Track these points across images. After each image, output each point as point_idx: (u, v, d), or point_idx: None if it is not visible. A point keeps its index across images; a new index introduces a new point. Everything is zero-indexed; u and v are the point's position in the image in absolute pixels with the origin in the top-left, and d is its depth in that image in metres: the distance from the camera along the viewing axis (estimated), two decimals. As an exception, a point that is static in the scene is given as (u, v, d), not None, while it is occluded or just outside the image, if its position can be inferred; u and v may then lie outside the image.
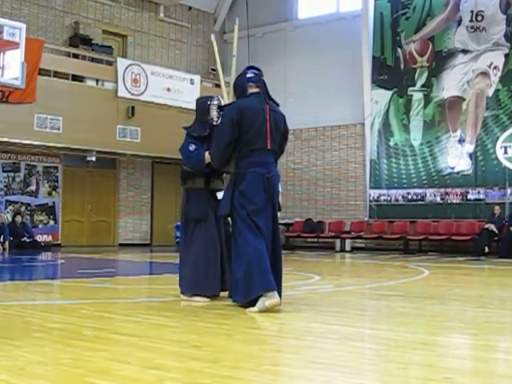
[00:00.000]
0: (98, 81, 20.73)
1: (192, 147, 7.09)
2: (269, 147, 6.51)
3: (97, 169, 22.29)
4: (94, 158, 21.08)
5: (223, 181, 7.29)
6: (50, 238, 21.15)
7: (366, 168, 22.15)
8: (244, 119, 6.42)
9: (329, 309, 6.53)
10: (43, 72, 18.81)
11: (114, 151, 21.15)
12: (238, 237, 6.42)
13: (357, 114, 22.36)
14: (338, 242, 21.68)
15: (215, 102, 7.24)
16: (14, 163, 20.63)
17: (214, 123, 7.07)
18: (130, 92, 20.75)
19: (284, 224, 22.96)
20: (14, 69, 14.93)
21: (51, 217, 21.41)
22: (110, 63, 21.13)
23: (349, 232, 21.77)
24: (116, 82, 20.62)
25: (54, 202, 21.49)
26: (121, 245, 22.70)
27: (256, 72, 6.77)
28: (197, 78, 22.70)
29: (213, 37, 8.68)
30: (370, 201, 21.83)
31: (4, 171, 20.43)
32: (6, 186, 20.46)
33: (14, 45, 14.85)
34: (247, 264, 6.25)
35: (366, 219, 21.79)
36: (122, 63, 20.89)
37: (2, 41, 14.76)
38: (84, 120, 19.53)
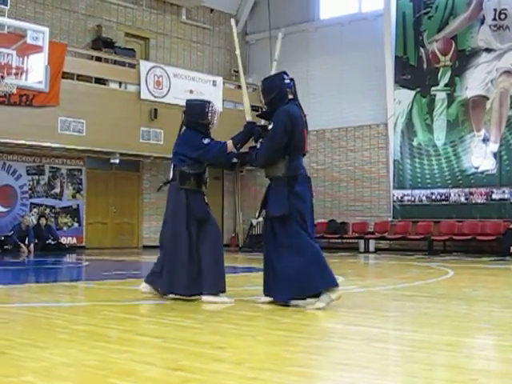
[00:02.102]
0: (120, 83, 20.83)
1: (206, 140, 7.20)
2: (305, 152, 6.95)
3: (120, 171, 22.39)
4: (117, 161, 21.18)
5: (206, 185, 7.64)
6: (74, 241, 21.27)
7: (389, 168, 22.06)
8: (294, 125, 6.70)
9: (353, 310, 6.51)
10: (66, 75, 18.94)
11: (137, 153, 21.24)
12: (291, 237, 6.58)
13: (380, 114, 22.28)
14: (361, 243, 21.61)
15: (215, 108, 7.47)
16: (38, 166, 20.77)
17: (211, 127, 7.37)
18: (152, 94, 20.82)
19: (307, 225, 22.94)
20: (38, 72, 15.06)
21: (75, 219, 21.53)
22: (132, 66, 21.22)
23: (372, 233, 21.71)
24: (139, 84, 20.70)
25: (78, 205, 21.61)
26: (145, 247, 22.77)
27: (291, 78, 6.97)
28: (219, 80, 22.73)
29: (233, 22, 8.68)
30: (394, 201, 21.74)
31: (28, 174, 20.57)
32: (30, 189, 20.61)
33: (37, 48, 14.97)
34: (305, 262, 6.47)
35: (389, 220, 21.71)
36: (144, 66, 20.97)
37: (26, 45, 14.89)
38: (107, 123, 19.63)
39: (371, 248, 21.37)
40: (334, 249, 21.96)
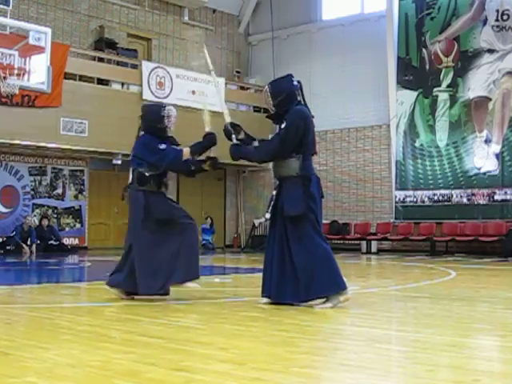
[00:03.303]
0: (123, 84, 20.84)
1: (162, 146, 7.33)
2: (314, 153, 7.05)
3: (123, 172, 22.33)
4: (119, 161, 21.18)
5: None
6: (76, 241, 21.28)
7: (391, 169, 22.05)
8: (307, 126, 6.79)
9: (356, 311, 6.51)
10: (69, 76, 18.95)
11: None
12: (303, 238, 6.62)
13: (382, 115, 22.29)
14: (363, 244, 21.60)
15: (171, 113, 7.63)
16: (40, 167, 20.79)
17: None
18: (155, 95, 20.82)
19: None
20: (40, 73, 15.08)
21: (78, 220, 21.55)
22: (134, 67, 21.23)
23: (375, 234, 21.71)
24: (141, 85, 20.72)
25: (80, 206, 21.63)
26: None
27: (298, 80, 7.03)
28: (221, 81, 22.71)
29: (205, 48, 8.72)
30: (396, 202, 21.73)
31: (31, 175, 20.59)
32: (32, 190, 20.63)
33: (39, 49, 15.00)
34: (315, 265, 6.52)
35: (391, 221, 21.70)
36: (146, 66, 20.98)
37: (28, 45, 14.92)
38: (110, 123, 19.64)
39: (373, 249, 21.35)
40: (336, 250, 21.87)
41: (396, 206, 21.73)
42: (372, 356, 4.28)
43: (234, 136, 7.13)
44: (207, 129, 7.45)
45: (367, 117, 22.67)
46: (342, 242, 22.37)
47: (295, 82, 6.98)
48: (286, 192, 6.75)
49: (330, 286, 6.55)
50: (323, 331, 5.37)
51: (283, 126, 6.82)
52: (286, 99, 6.86)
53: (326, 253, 6.63)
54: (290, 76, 7.07)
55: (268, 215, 6.93)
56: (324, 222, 22.96)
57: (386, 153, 22.41)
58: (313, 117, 7.00)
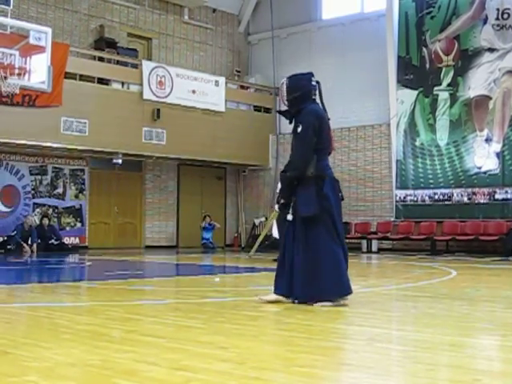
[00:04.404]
0: (123, 84, 20.85)
1: None
2: (330, 151, 7.06)
3: (123, 171, 22.40)
4: (120, 161, 21.21)
5: None
6: (77, 241, 21.30)
7: (392, 168, 22.05)
8: (322, 124, 6.83)
9: (356, 310, 6.51)
10: (69, 75, 18.95)
11: (139, 154, 21.27)
12: (313, 239, 6.64)
13: (382, 114, 22.28)
14: (364, 243, 21.61)
15: None
16: (41, 166, 20.80)
17: None
18: (155, 94, 20.83)
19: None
20: (41, 73, 15.09)
21: (78, 219, 21.55)
22: (135, 66, 21.25)
23: (375, 233, 21.71)
24: (141, 84, 20.73)
25: (80, 205, 21.64)
26: (147, 247, 22.79)
27: (317, 81, 7.08)
28: (222, 80, 22.73)
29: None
30: (397, 201, 21.73)
31: (31, 174, 20.60)
32: (33, 189, 20.64)
33: (40, 49, 15.00)
34: (323, 267, 6.57)
35: (392, 220, 21.71)
36: (147, 66, 20.99)
37: (29, 45, 14.92)
38: (110, 123, 19.66)
39: (374, 248, 21.36)
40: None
41: (396, 205, 21.72)
42: (372, 355, 4.28)
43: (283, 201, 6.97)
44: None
45: (367, 116, 22.67)
46: (342, 241, 22.33)
47: (314, 82, 7.01)
48: (301, 193, 6.75)
49: (336, 290, 6.63)
50: (324, 330, 5.37)
51: (299, 129, 6.79)
52: (301, 97, 6.88)
53: (334, 256, 6.62)
54: (310, 74, 7.07)
55: (290, 216, 6.81)
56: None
57: (386, 152, 22.41)
58: (328, 118, 7.05)
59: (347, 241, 22.75)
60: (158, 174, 23.53)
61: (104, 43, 21.69)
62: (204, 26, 25.29)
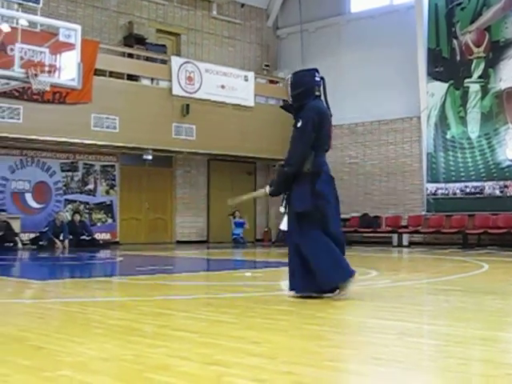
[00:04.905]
0: (152, 80, 20.94)
1: None
2: (328, 148, 7.05)
3: (153, 167, 22.49)
4: (150, 157, 21.29)
5: None
6: (108, 236, 21.43)
7: (422, 162, 21.92)
8: (322, 121, 6.82)
9: (387, 304, 6.49)
10: (99, 72, 19.06)
11: (169, 149, 21.34)
12: (304, 235, 6.69)
13: (412, 107, 22.14)
14: (395, 237, 21.51)
15: None
16: (72, 163, 20.96)
17: None
18: (184, 90, 20.88)
19: (340, 219, 22.88)
20: (71, 70, 15.18)
21: (109, 215, 21.69)
22: (164, 62, 21.31)
23: (406, 226, 21.61)
24: (170, 80, 20.78)
25: (111, 201, 21.77)
26: (178, 242, 22.88)
27: (321, 77, 7.08)
28: (251, 75, 22.72)
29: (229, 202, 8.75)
30: (428, 195, 21.60)
31: (63, 171, 20.76)
32: (64, 186, 20.80)
33: (69, 46, 15.10)
34: (318, 258, 6.61)
35: (423, 213, 21.59)
36: (176, 62, 21.04)
37: (59, 42, 15.02)
38: (140, 119, 19.75)
39: (405, 242, 21.25)
40: (367, 243, 21.90)
41: (427, 199, 21.60)
42: (403, 350, 4.26)
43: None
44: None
45: (397, 109, 22.53)
46: (372, 235, 22.31)
47: (317, 78, 7.01)
48: (296, 188, 6.81)
49: (337, 277, 6.69)
50: (354, 325, 5.37)
51: (299, 124, 6.83)
52: (304, 93, 6.90)
53: (326, 245, 6.66)
54: (313, 70, 7.11)
55: (282, 209, 6.97)
56: (355, 215, 23.09)
57: (416, 145, 22.28)
58: (331, 115, 7.04)
59: (378, 235, 22.67)
60: (188, 169, 23.60)
61: (133, 40, 21.79)
62: (232, 21, 25.30)
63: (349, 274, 6.73)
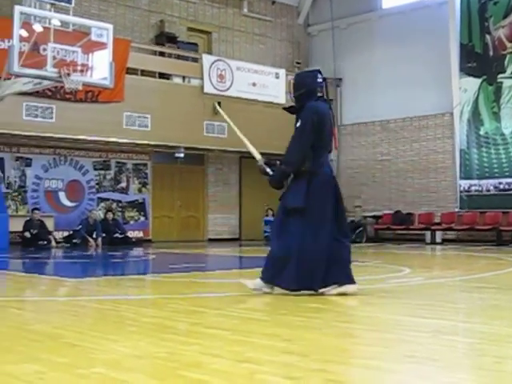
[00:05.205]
0: (184, 78, 21.01)
1: None
2: (331, 149, 7.08)
3: (185, 165, 22.56)
4: (182, 155, 21.37)
5: None
6: (141, 234, 21.55)
7: (455, 158, 21.75)
8: (322, 122, 6.83)
9: (420, 302, 6.45)
10: (131, 71, 19.17)
11: (201, 147, 21.39)
12: (292, 231, 6.70)
13: (445, 103, 21.96)
14: (428, 234, 21.38)
15: None
16: (104, 161, 21.10)
17: None
18: (215, 88, 20.92)
19: (373, 216, 22.81)
20: (103, 69, 15.28)
21: (141, 213, 21.81)
22: (195, 60, 21.37)
23: (439, 223, 21.46)
24: (202, 78, 20.83)
25: (144, 199, 21.88)
26: (210, 240, 22.94)
27: (324, 77, 7.12)
28: (282, 72, 22.69)
29: (218, 107, 8.81)
30: (461, 191, 21.43)
31: (95, 169, 20.91)
32: (97, 184, 20.95)
33: (101, 45, 15.20)
34: (292, 257, 6.63)
35: (456, 210, 21.42)
36: (207, 60, 21.08)
37: (91, 42, 15.12)
38: (171, 117, 19.82)
39: (438, 239, 21.12)
40: (400, 240, 21.78)
41: (461, 196, 21.43)
42: (437, 347, 4.23)
43: (269, 170, 7.18)
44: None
45: (430, 105, 22.36)
46: (405, 232, 22.19)
47: (319, 79, 7.04)
48: (292, 186, 6.93)
49: (293, 281, 6.66)
50: (386, 322, 5.34)
51: (298, 124, 6.89)
52: (306, 94, 6.93)
53: (307, 249, 6.62)
54: (316, 72, 7.15)
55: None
56: (387, 212, 23.00)
57: (449, 141, 22.11)
58: (333, 116, 7.11)
59: (411, 232, 22.54)
60: (220, 167, 23.64)
61: (164, 38, 21.88)
62: (263, 19, 25.29)
63: (310, 285, 6.69)
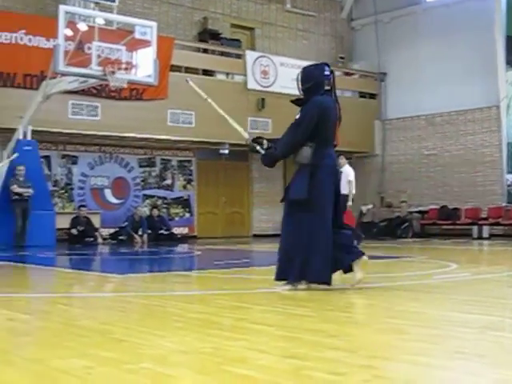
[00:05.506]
0: (227, 74, 21.06)
1: None
2: (335, 143, 7.16)
3: (230, 161, 22.61)
4: (226, 151, 21.42)
5: None
6: (186, 230, 21.66)
7: (502, 152, 21.47)
8: (324, 117, 6.90)
9: (467, 297, 6.38)
10: (174, 68, 19.27)
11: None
12: (298, 222, 6.84)
13: (491, 97, 21.68)
14: (474, 229, 21.13)
15: None
16: (149, 158, 21.25)
17: None
18: (259, 84, 20.93)
19: (418, 212, 22.61)
20: (147, 66, 15.42)
21: (187, 209, 21.92)
22: (238, 56, 21.40)
23: (486, 218, 21.20)
24: (245, 74, 20.86)
25: (188, 195, 22.00)
26: (254, 235, 22.96)
27: (331, 70, 7.16)
28: (325, 68, 22.58)
29: (190, 81, 8.88)
30: (508, 185, 21.15)
31: (140, 166, 21.08)
32: (142, 181, 21.11)
33: (145, 43, 15.33)
34: (295, 248, 6.78)
35: (503, 205, 21.13)
36: (250, 56, 21.10)
37: (135, 40, 15.26)
38: (216, 114, 19.79)
39: (485, 234, 20.86)
40: (447, 235, 21.56)
41: (508, 190, 21.15)
42: (486, 344, 4.18)
43: (259, 148, 7.34)
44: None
45: (476, 99, 22.08)
46: (452, 227, 21.96)
47: (327, 72, 7.08)
48: (294, 178, 7.06)
49: (300, 273, 6.76)
50: (434, 318, 5.29)
51: (297, 116, 7.03)
52: (313, 88, 7.01)
53: (325, 239, 6.72)
54: (323, 65, 7.20)
55: (370, 205, 7.14)
56: (433, 207, 22.79)
57: (496, 135, 21.83)
58: (339, 109, 7.13)
59: (457, 227, 22.29)
60: (264, 163, 23.62)
61: (208, 35, 21.95)
62: (306, 14, 25.21)
63: (316, 278, 6.77)
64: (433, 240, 20.04)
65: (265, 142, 7.37)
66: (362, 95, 24.21)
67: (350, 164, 25.11)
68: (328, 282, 6.73)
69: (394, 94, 24.10)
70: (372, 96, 24.42)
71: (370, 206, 23.24)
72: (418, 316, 5.37)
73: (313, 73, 7.11)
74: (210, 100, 8.17)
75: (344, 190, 15.62)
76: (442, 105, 22.77)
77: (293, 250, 6.80)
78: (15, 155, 15.49)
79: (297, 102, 7.33)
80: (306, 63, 24.39)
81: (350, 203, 14.93)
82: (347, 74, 24.49)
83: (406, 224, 22.14)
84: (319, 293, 6.77)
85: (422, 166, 23.36)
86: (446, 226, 22.00)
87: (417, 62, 23.33)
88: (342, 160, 16.18)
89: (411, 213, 22.68)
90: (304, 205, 6.78)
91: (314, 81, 7.01)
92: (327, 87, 7.04)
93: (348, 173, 15.54)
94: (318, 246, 6.69)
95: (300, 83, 7.15)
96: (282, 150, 7.13)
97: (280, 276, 6.94)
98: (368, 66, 24.30)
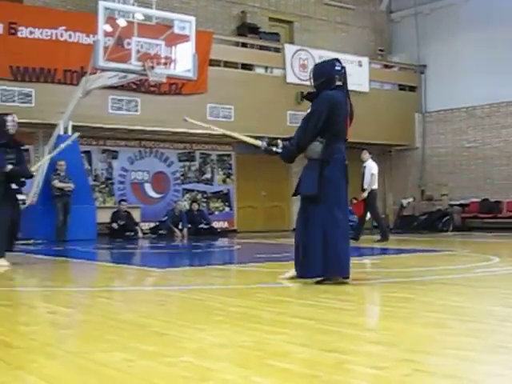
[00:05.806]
0: (266, 68, 21.05)
1: None
2: (346, 138, 7.20)
3: (269, 155, 22.55)
4: (266, 145, 21.38)
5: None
6: (225, 225, 21.70)
7: (545, 144, 21.17)
8: (334, 111, 6.94)
9: (510, 291, 6.32)
10: (213, 62, 19.32)
11: (285, 137, 21.33)
12: (312, 218, 6.96)
13: (534, 88, 21.38)
14: (517, 222, 20.88)
15: (10, 119, 9.35)
16: (189, 153, 21.33)
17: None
18: (298, 78, 20.88)
19: (459, 205, 22.40)
20: (186, 61, 15.47)
21: (226, 203, 21.97)
22: (277, 50, 21.37)
23: (528, 211, 20.94)
24: (284, 68, 20.83)
25: (228, 189, 22.04)
26: (294, 229, 22.87)
27: (343, 65, 7.21)
28: (365, 60, 22.49)
29: (187, 118, 9.00)
30: (550, 178, 20.84)
31: (180, 161, 21.17)
32: (182, 175, 21.20)
33: (184, 38, 15.38)
34: (314, 245, 6.84)
35: (546, 198, 20.85)
36: (289, 49, 21.06)
37: (173, 35, 15.31)
38: (255, 108, 19.88)
39: (528, 227, 20.60)
40: (488, 229, 21.32)
41: (550, 183, 20.85)
42: (530, 338, 4.12)
43: (274, 149, 7.63)
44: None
45: (517, 90, 21.79)
46: (493, 220, 21.71)
47: (338, 67, 7.12)
48: (305, 173, 7.21)
49: (320, 269, 6.78)
50: (476, 312, 5.23)
51: (308, 110, 7.09)
52: (325, 83, 7.06)
53: (328, 236, 6.77)
54: (334, 60, 7.24)
55: (410, 198, 7.16)
56: (474, 200, 22.54)
57: (538, 127, 21.53)
58: (350, 104, 7.18)
59: (499, 220, 22.08)
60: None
61: (246, 29, 21.95)
62: (345, 7, 25.06)
63: (333, 272, 6.80)
64: (474, 233, 19.84)
65: (279, 141, 7.59)
66: (402, 88, 24.00)
67: (390, 158, 25.11)
68: (347, 276, 6.78)
69: (433, 86, 23.88)
70: (412, 89, 24.21)
71: (411, 200, 23.11)
72: (459, 310, 5.32)
73: (324, 68, 7.19)
74: (212, 126, 8.34)
75: (373, 184, 15.71)
76: (483, 97, 22.48)
77: (307, 247, 6.86)
78: (64, 145, 15.01)
79: (308, 96, 7.35)
80: (344, 56, 24.32)
81: (365, 194, 15.27)
82: (387, 66, 24.33)
83: (447, 217, 21.93)
84: (360, 287, 6.74)
85: (463, 159, 23.12)
86: (487, 219, 21.76)
87: (457, 54, 23.08)
88: (366, 155, 16.31)
89: (452, 206, 22.47)
90: (315, 200, 6.88)
91: (325, 76, 7.06)
92: (339, 82, 7.07)
93: (372, 166, 15.82)
94: (333, 241, 6.74)
95: (312, 79, 7.20)
96: (296, 144, 7.24)
97: (301, 273, 6.98)
98: (407, 58, 24.10)
